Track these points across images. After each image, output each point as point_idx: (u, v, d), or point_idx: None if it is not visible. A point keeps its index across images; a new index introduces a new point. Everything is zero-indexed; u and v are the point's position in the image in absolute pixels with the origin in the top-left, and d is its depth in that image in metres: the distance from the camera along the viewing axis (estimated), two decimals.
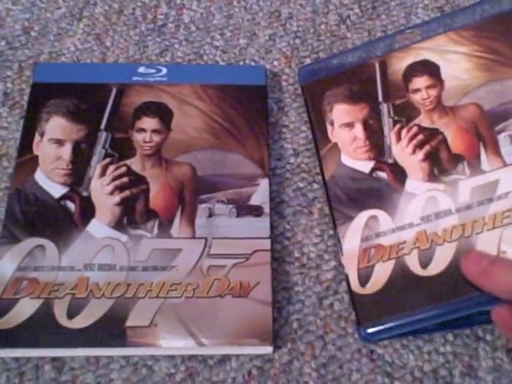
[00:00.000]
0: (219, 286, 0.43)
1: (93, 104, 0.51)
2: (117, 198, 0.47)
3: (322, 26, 0.59)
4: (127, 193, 0.47)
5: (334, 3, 0.60)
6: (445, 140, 0.47)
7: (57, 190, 0.47)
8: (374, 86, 0.51)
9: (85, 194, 0.47)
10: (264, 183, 0.48)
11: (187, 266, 0.44)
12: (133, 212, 0.46)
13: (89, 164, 0.48)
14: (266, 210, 0.47)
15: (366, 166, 0.48)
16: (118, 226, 0.46)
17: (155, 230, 0.46)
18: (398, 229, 0.45)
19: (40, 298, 0.42)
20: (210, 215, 0.47)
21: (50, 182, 0.47)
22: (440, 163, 0.46)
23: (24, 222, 0.45)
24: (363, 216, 0.46)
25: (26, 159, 0.48)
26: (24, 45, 0.57)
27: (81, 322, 0.42)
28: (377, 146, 0.49)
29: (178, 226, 0.46)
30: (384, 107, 0.50)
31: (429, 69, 0.50)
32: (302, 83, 0.54)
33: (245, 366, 0.43)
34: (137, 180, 0.48)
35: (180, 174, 0.48)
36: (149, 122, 0.50)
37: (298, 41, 0.58)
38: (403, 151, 0.48)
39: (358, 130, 0.49)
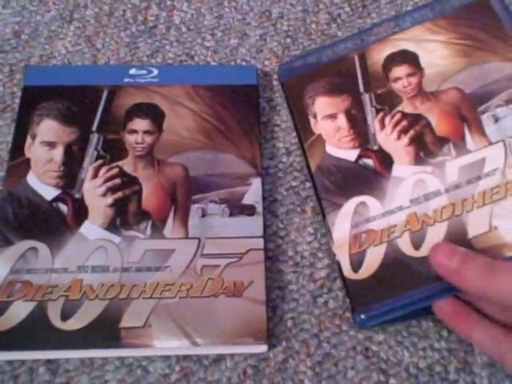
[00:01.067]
0: (213, 285, 0.43)
1: (84, 106, 0.51)
2: (109, 199, 0.47)
3: (313, 25, 0.59)
4: (120, 194, 0.47)
5: (325, 2, 0.60)
6: (429, 124, 0.48)
7: (49, 193, 0.47)
8: (355, 77, 0.51)
9: (77, 195, 0.47)
10: (256, 182, 0.48)
11: (181, 267, 0.44)
12: (125, 213, 0.46)
13: (81, 166, 0.48)
14: (259, 209, 0.47)
15: (351, 155, 0.48)
16: (111, 227, 0.46)
17: (148, 231, 0.46)
18: (388, 213, 0.45)
19: (33, 300, 0.42)
20: (203, 215, 0.47)
21: (43, 185, 0.47)
22: (425, 146, 0.47)
23: (16, 224, 0.45)
24: (352, 203, 0.46)
25: (18, 162, 0.48)
26: (15, 48, 0.57)
27: (75, 323, 0.42)
28: (361, 134, 0.49)
29: (170, 227, 0.46)
30: (366, 97, 0.50)
31: (408, 58, 0.51)
32: (282, 80, 0.54)
33: (240, 365, 0.43)
34: (129, 181, 0.48)
35: (172, 174, 0.48)
36: (140, 123, 0.50)
37: (288, 40, 0.58)
38: (388, 138, 0.48)
39: (342, 120, 0.50)
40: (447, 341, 0.43)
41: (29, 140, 0.49)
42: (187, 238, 0.45)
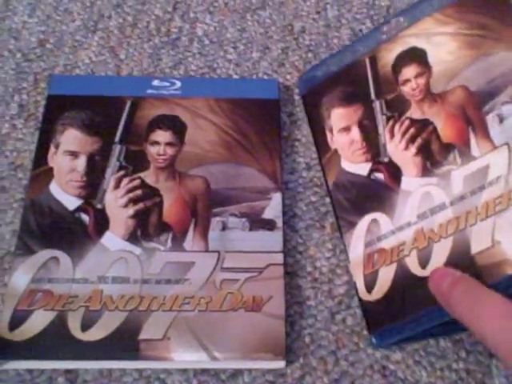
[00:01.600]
0: (232, 299, 0.44)
1: (107, 117, 0.51)
2: (131, 210, 0.47)
3: (335, 40, 0.59)
4: (141, 205, 0.47)
5: (347, 17, 0.61)
6: (435, 130, 0.47)
7: (71, 202, 0.47)
8: (366, 83, 0.51)
9: (99, 206, 0.47)
10: (277, 197, 0.48)
11: (200, 280, 0.44)
12: (146, 225, 0.47)
13: (103, 176, 0.48)
14: (279, 223, 0.47)
15: (364, 169, 0.49)
16: (132, 238, 0.46)
17: (168, 243, 0.46)
18: (398, 229, 0.45)
19: (54, 310, 0.43)
20: (223, 229, 0.47)
21: (65, 194, 0.48)
22: (432, 155, 0.46)
23: (39, 233, 0.46)
24: (365, 221, 0.46)
25: (41, 171, 0.49)
26: (39, 57, 0.57)
27: (94, 334, 0.42)
28: (373, 146, 0.49)
29: (191, 239, 0.46)
30: (377, 104, 0.50)
31: (416, 56, 0.50)
32: (303, 92, 0.55)
33: (257, 380, 0.43)
34: (150, 193, 0.48)
35: (193, 187, 0.48)
36: (163, 135, 0.51)
37: (310, 54, 0.58)
38: (397, 148, 0.48)
39: (355, 132, 0.50)
40: (465, 361, 0.43)
41: (52, 149, 0.49)
42: (207, 251, 0.46)
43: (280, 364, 0.42)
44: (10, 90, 0.55)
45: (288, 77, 0.57)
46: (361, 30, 0.60)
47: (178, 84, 0.54)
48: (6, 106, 0.54)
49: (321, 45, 0.59)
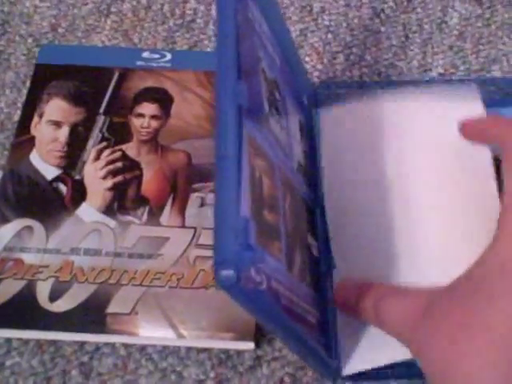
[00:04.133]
0: (204, 277, 0.42)
1: (94, 87, 0.50)
2: (109, 182, 0.46)
3: (355, 20, 0.57)
4: (120, 178, 0.46)
5: None
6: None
7: (50, 172, 0.47)
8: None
9: (77, 177, 0.46)
10: None
11: (174, 255, 0.43)
12: (124, 197, 0.46)
13: (84, 147, 0.48)
14: None
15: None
16: (108, 211, 0.45)
17: (144, 217, 0.45)
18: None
19: (24, 279, 0.42)
20: (202, 205, 0.45)
21: (45, 164, 0.47)
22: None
23: (15, 202, 0.45)
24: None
25: (23, 140, 0.48)
26: (51, 42, 0.56)
27: (62, 305, 0.41)
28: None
29: (168, 214, 0.45)
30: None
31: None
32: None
33: (276, 373, 0.41)
34: (131, 165, 0.47)
35: (175, 161, 0.47)
36: (148, 108, 0.49)
37: (330, 36, 0.56)
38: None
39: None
40: None
41: (36, 118, 0.49)
42: (183, 226, 0.44)
43: (249, 345, 0.41)
44: (21, 76, 0.54)
45: (307, 59, 0.54)
46: (383, 10, 0.57)
47: (169, 56, 0.52)
48: (18, 93, 0.53)
49: (341, 25, 0.56)
